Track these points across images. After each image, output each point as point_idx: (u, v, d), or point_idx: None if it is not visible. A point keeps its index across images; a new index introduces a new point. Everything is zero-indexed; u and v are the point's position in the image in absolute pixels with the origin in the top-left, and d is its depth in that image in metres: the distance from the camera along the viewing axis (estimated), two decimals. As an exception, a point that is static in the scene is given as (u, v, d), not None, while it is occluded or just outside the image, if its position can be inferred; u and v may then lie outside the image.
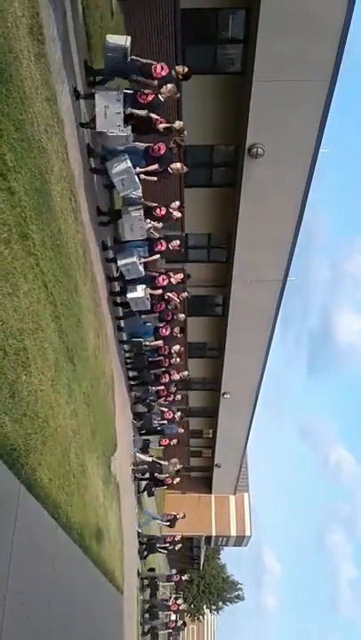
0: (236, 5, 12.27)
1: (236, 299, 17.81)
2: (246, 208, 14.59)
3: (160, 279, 12.19)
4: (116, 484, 12.36)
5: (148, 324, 13.74)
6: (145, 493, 19.49)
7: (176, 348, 14.75)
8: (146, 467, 17.39)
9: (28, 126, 5.57)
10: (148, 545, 19.45)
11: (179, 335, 14.48)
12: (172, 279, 12.49)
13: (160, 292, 12.35)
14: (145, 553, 19.64)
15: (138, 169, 9.59)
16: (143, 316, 13.02)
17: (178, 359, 15.59)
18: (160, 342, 14.07)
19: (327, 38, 11.08)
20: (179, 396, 18.39)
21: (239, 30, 12.66)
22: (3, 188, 4.85)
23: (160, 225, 11.03)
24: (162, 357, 14.84)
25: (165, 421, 17.59)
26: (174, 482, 19.16)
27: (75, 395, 7.72)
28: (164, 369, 15.57)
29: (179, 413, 18.24)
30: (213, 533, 36.21)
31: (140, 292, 11.73)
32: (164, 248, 11.38)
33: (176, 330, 14.16)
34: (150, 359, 14.80)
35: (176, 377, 16.46)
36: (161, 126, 9.29)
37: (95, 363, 9.85)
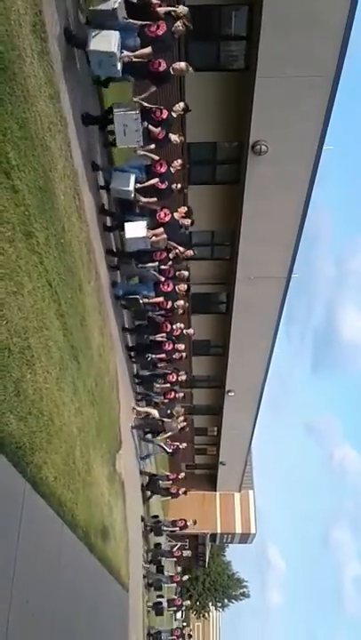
0: (240, 2, 12.23)
1: (240, 296, 17.79)
2: (250, 205, 14.56)
3: (162, 214, 10.36)
4: (121, 482, 12.38)
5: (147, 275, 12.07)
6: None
7: (180, 302, 12.90)
8: (146, 422, 15.86)
9: (31, 124, 5.56)
10: (150, 483, 18.90)
11: (183, 291, 12.59)
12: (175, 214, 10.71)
13: (162, 234, 10.50)
14: (148, 494, 19.01)
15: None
16: (140, 265, 11.25)
17: (182, 312, 13.54)
18: (161, 298, 12.26)
19: (331, 34, 11.02)
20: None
21: (242, 27, 12.61)
22: (6, 186, 4.84)
23: (159, 131, 9.14)
24: (163, 312, 13.02)
25: (169, 384, 16.00)
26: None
27: (79, 393, 7.72)
28: (164, 327, 13.62)
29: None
30: (218, 531, 36.26)
31: (140, 230, 10.00)
32: (164, 170, 9.82)
33: (181, 287, 12.45)
34: (151, 314, 13.12)
35: (181, 347, 14.82)
36: (161, 10, 7.90)
37: (100, 361, 9.85)
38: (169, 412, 15.32)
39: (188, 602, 22.15)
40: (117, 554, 11.63)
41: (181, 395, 16.85)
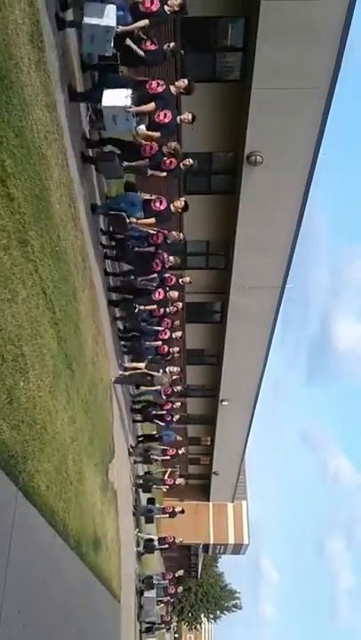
0: (236, 14, 12.33)
1: (235, 305, 17.82)
2: (245, 215, 14.62)
3: (153, 84, 8.33)
4: (113, 492, 12.32)
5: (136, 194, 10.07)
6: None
7: (174, 234, 11.08)
8: (131, 377, 13.91)
9: (27, 133, 5.58)
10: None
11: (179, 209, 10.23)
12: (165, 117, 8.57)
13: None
14: (139, 417, 17.28)
15: None
16: (126, 163, 9.05)
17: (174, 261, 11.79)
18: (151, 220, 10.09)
19: (326, 46, 11.13)
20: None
21: (238, 38, 12.72)
22: (2, 194, 4.85)
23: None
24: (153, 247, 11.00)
25: (160, 342, 13.71)
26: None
27: (73, 401, 7.70)
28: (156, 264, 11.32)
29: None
30: (211, 541, 36.10)
31: (120, 97, 7.62)
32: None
33: (177, 204, 10.18)
34: (138, 248, 10.94)
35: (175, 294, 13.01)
36: None
37: (93, 369, 9.83)
38: (161, 368, 13.62)
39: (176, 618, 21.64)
40: (109, 564, 11.55)
41: (176, 350, 14.83)
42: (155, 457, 18.34)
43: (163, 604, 21.73)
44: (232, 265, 16.42)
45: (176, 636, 53.85)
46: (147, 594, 19.50)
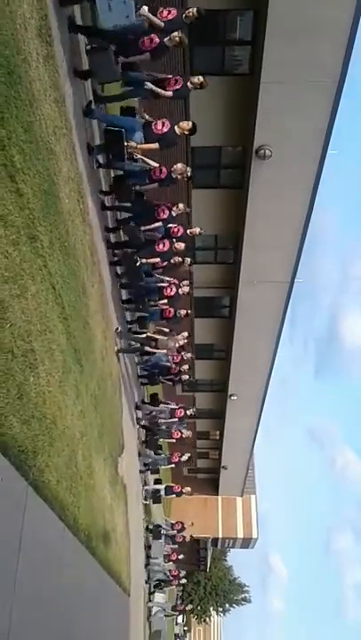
0: (245, 7, 12.25)
1: (244, 300, 17.78)
2: (254, 209, 14.57)
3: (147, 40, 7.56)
4: (123, 486, 12.36)
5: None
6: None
7: (180, 167, 9.55)
8: (137, 345, 12.97)
9: (36, 128, 5.57)
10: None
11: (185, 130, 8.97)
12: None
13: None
14: (145, 380, 16.05)
15: None
16: (122, 59, 7.70)
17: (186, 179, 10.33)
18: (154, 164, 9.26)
19: (335, 39, 11.04)
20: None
21: (247, 32, 12.64)
22: (11, 189, 4.85)
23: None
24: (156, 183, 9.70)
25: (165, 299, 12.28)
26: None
27: (82, 396, 7.72)
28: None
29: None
30: (220, 535, 36.18)
31: None
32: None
33: (184, 124, 8.93)
34: (139, 187, 9.83)
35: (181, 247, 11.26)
36: None
37: (102, 364, 9.85)
38: (167, 331, 12.68)
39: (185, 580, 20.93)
40: (119, 558, 11.61)
41: (183, 313, 12.98)
42: (161, 421, 16.90)
43: (171, 562, 21.59)
44: (241, 259, 16.38)
45: (185, 628, 54.08)
46: (154, 543, 19.29)
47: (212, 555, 43.50)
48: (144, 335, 12.61)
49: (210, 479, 33.55)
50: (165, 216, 10.23)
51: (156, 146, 8.73)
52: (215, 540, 37.80)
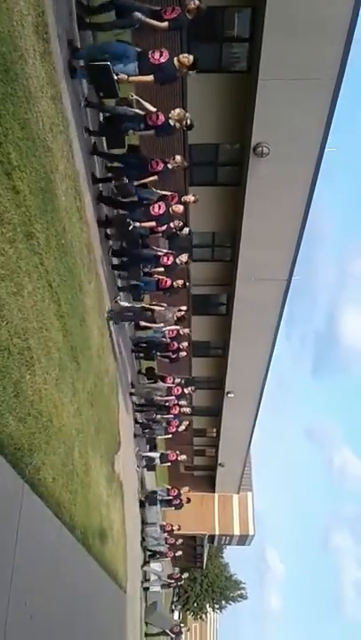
0: (243, 4, 12.23)
1: (241, 298, 17.80)
2: (251, 207, 14.57)
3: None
4: (119, 483, 12.37)
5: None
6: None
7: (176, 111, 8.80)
8: (131, 314, 11.75)
9: (33, 125, 5.55)
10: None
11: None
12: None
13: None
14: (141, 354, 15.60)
15: None
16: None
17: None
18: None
19: (333, 36, 11.03)
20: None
21: (245, 29, 12.62)
22: (8, 187, 4.84)
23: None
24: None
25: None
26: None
27: (79, 394, 7.72)
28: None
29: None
30: (217, 532, 36.25)
31: None
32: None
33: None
34: (133, 132, 8.84)
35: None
36: None
37: (99, 362, 9.85)
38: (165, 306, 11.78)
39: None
40: (115, 555, 11.62)
41: (181, 283, 11.99)
42: (158, 398, 16.28)
43: (165, 533, 21.48)
44: (238, 257, 16.38)
45: (182, 624, 54.23)
46: (150, 509, 19.03)
47: (208, 552, 43.60)
48: (139, 306, 11.57)
49: (206, 476, 33.59)
50: (160, 168, 9.34)
51: (150, 78, 7.71)
52: (212, 537, 37.88)
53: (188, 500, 20.91)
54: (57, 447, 6.31)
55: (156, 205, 9.80)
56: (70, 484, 6.99)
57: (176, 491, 20.35)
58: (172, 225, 10.62)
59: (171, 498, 20.21)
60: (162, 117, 8.49)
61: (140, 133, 8.92)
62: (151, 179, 9.46)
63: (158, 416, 17.21)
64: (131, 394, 15.46)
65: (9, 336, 4.75)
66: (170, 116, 8.59)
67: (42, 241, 5.79)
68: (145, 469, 19.00)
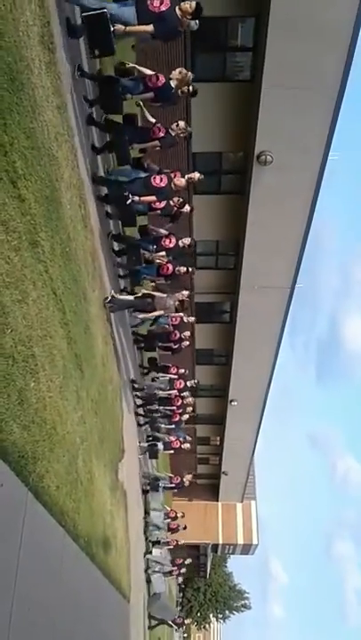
0: (246, 13, 12.32)
1: (244, 305, 17.82)
2: (255, 215, 14.61)
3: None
4: (123, 492, 12.33)
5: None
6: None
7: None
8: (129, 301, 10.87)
9: (38, 134, 5.59)
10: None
11: None
12: None
13: None
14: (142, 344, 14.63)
15: None
16: None
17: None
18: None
19: (336, 45, 11.10)
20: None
21: (248, 38, 12.72)
22: (13, 195, 4.86)
23: None
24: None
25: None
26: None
27: (82, 402, 7.71)
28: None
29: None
30: (220, 541, 36.11)
31: None
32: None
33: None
34: (131, 96, 8.20)
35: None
36: None
37: (103, 369, 9.84)
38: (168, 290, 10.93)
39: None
40: (119, 564, 11.57)
41: (183, 270, 11.20)
42: (160, 393, 15.71)
43: (169, 519, 21.17)
44: (241, 265, 16.42)
45: (185, 635, 53.87)
46: (152, 495, 18.75)
47: (212, 561, 43.38)
48: (139, 294, 10.63)
49: (210, 485, 33.49)
50: (163, 134, 8.60)
51: (150, 28, 7.07)
52: (215, 547, 37.72)
53: (183, 515, 21.01)
54: (61, 455, 6.31)
55: (158, 177, 9.05)
56: (74, 492, 6.97)
57: (178, 478, 20.04)
58: (172, 203, 9.81)
59: (173, 485, 19.98)
60: (162, 79, 7.98)
61: (140, 97, 8.15)
62: (152, 144, 8.75)
63: (161, 407, 16.43)
64: (133, 388, 14.90)
65: (13, 344, 4.76)
66: (171, 76, 8.07)
67: (47, 249, 5.82)
68: (147, 454, 18.06)
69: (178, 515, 21.68)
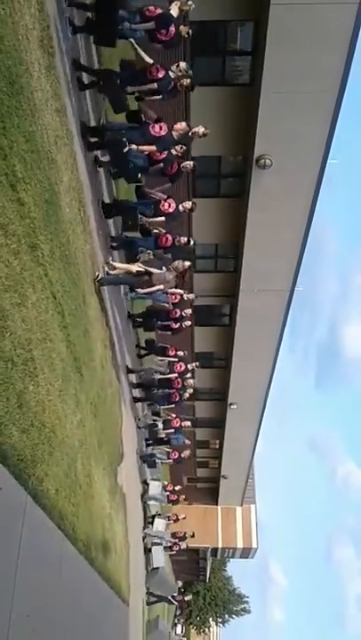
0: (245, 18, 12.34)
1: (244, 308, 17.81)
2: (254, 218, 14.62)
3: None
4: (122, 495, 12.31)
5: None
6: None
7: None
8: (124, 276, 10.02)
9: (37, 138, 5.60)
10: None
11: None
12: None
13: None
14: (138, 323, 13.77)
15: None
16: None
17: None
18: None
19: (335, 49, 11.13)
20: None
21: (248, 42, 12.74)
22: (12, 199, 4.86)
23: None
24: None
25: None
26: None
27: (82, 405, 7.70)
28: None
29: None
30: (220, 545, 36.03)
31: None
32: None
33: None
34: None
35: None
36: None
37: (102, 372, 9.83)
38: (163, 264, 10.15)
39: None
40: (118, 568, 11.53)
41: (184, 240, 10.44)
42: (159, 377, 14.97)
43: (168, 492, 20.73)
44: (241, 268, 16.42)
45: (185, 639, 53.71)
46: (150, 470, 17.97)
47: (211, 565, 43.28)
48: (134, 270, 9.80)
49: (209, 488, 33.43)
50: (161, 75, 7.90)
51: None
52: (215, 550, 37.65)
53: (185, 517, 21.08)
54: (60, 458, 6.29)
55: (157, 125, 8.37)
56: (73, 495, 6.96)
57: (176, 453, 19.08)
58: (174, 151, 8.92)
59: (171, 460, 19.14)
60: (158, 10, 7.51)
61: (140, 26, 7.52)
62: (150, 86, 8.02)
63: (160, 391, 15.52)
64: (129, 371, 13.81)
65: (12, 347, 4.76)
66: (170, 7, 7.61)
67: (46, 252, 5.82)
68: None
69: (179, 517, 21.62)
